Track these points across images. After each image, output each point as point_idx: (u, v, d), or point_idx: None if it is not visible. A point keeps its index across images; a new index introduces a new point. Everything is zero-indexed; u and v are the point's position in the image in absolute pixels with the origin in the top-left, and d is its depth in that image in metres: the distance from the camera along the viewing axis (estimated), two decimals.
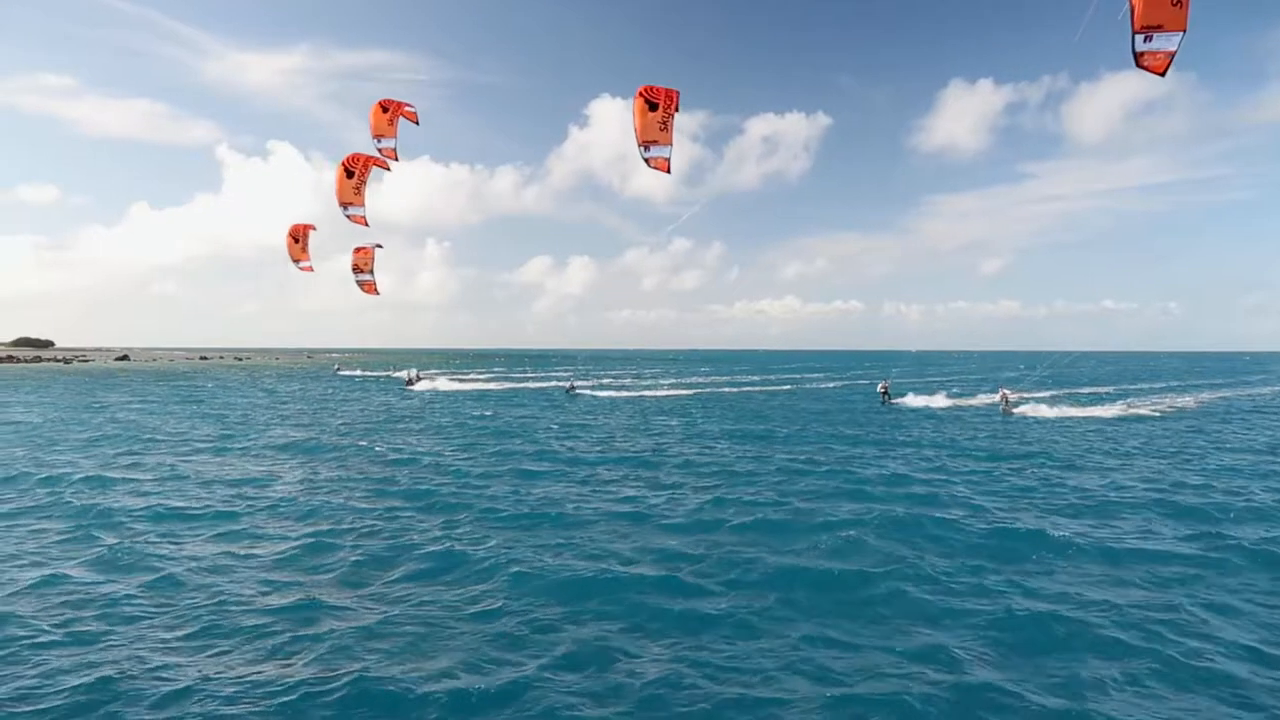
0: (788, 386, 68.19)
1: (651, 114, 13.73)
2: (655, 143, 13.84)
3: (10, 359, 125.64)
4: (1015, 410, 38.23)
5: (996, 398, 40.11)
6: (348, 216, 19.74)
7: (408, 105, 21.86)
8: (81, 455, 23.99)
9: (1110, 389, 63.52)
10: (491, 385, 69.66)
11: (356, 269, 22.93)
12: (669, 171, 14.16)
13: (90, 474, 20.07)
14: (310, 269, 23.72)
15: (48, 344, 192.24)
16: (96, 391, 57.14)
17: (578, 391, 58.34)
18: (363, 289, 23.10)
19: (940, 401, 45.87)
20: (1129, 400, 47.90)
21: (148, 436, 28.66)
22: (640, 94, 13.70)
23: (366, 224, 20.63)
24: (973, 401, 47.03)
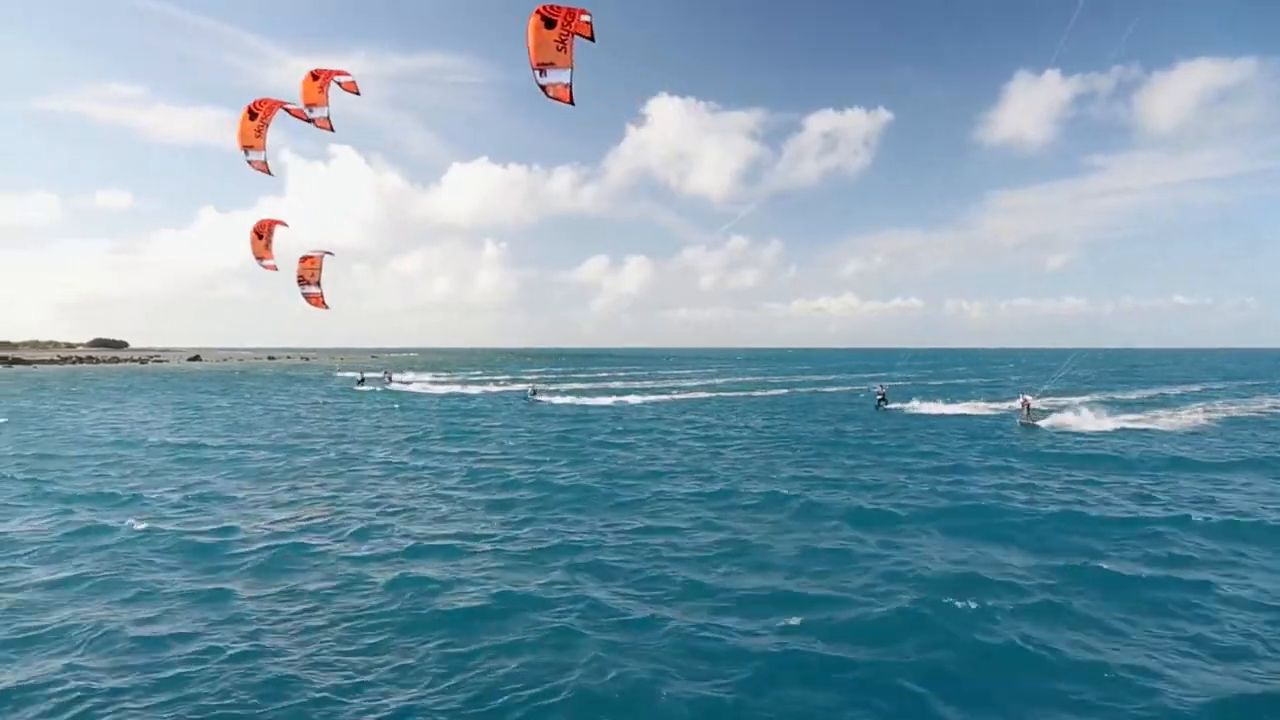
0: (784, 391, 64.41)
1: (547, 31, 12.31)
2: (552, 65, 12.45)
3: (91, 359, 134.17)
4: (1040, 422, 33.24)
5: (1016, 404, 36.73)
6: (249, 163, 18.70)
7: (342, 74, 21.12)
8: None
9: (1173, 390, 58.49)
10: (451, 389, 65.61)
11: (302, 280, 22.82)
12: (571, 101, 12.73)
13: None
14: (274, 268, 22.98)
15: (122, 344, 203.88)
16: (212, 386, 63.73)
17: (539, 398, 53.25)
18: (309, 302, 22.95)
19: (944, 407, 42.33)
20: (1200, 406, 42.50)
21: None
22: (537, 11, 12.27)
23: (269, 171, 19.68)
24: (990, 407, 43.30)
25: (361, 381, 66.90)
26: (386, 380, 72.65)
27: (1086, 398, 49.73)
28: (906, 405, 43.68)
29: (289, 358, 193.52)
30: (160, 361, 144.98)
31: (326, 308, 23.21)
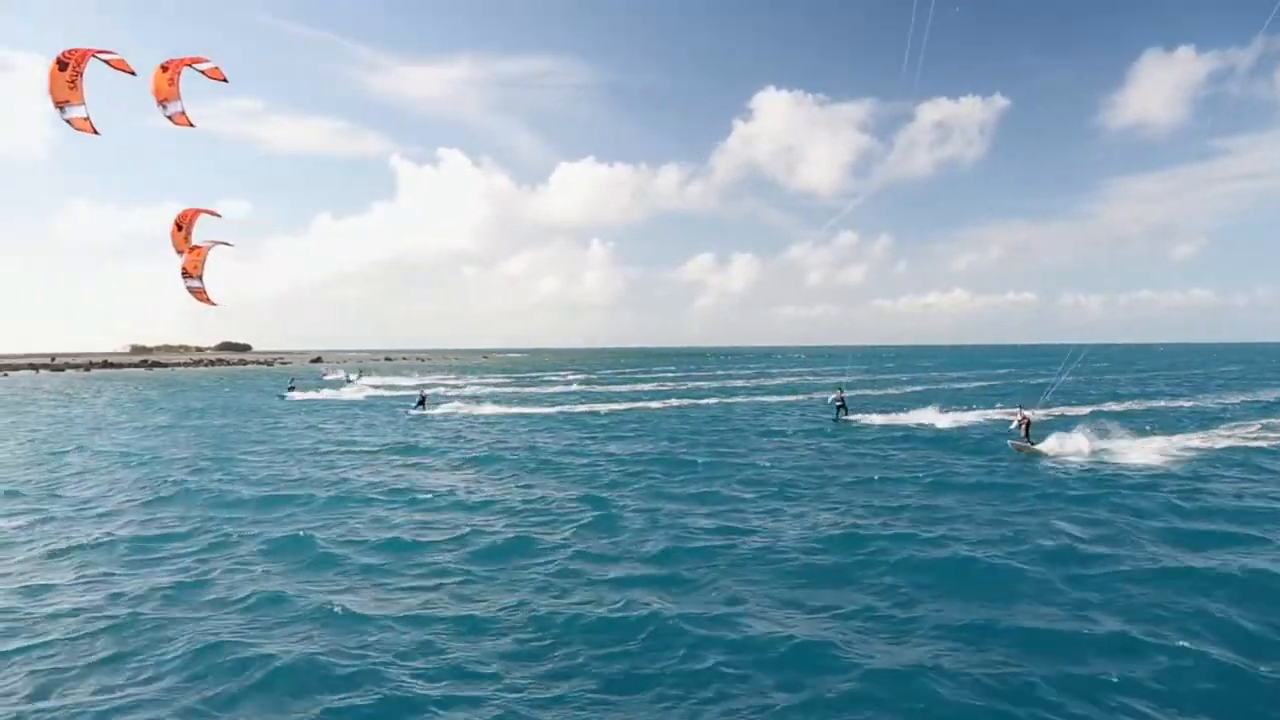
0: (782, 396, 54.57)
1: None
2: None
3: (221, 361, 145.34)
4: (1040, 446, 24.10)
5: (1013, 421, 25.63)
6: (67, 120, 16.16)
7: (200, 61, 18.71)
8: None
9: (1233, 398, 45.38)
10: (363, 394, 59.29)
11: (185, 273, 20.39)
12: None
13: None
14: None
15: (246, 348, 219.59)
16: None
17: (425, 409, 41.47)
18: (195, 297, 20.49)
19: (922, 417, 34.10)
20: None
21: None
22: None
23: (92, 129, 17.12)
24: (985, 416, 34.57)
25: (292, 388, 58.11)
26: (348, 381, 69.37)
27: (1117, 406, 39.49)
28: (875, 415, 35.72)
29: (404, 358, 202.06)
30: (285, 363, 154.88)
31: (214, 304, 20.65)
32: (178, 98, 18.29)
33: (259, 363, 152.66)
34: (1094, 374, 73.83)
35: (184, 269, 20.38)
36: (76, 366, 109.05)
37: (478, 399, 49.73)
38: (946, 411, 36.26)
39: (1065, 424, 27.51)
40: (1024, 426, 24.71)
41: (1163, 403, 42.88)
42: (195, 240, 20.81)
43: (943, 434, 30.23)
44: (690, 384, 69.87)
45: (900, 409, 38.45)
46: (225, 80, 19.67)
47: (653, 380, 77.26)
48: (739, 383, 72.14)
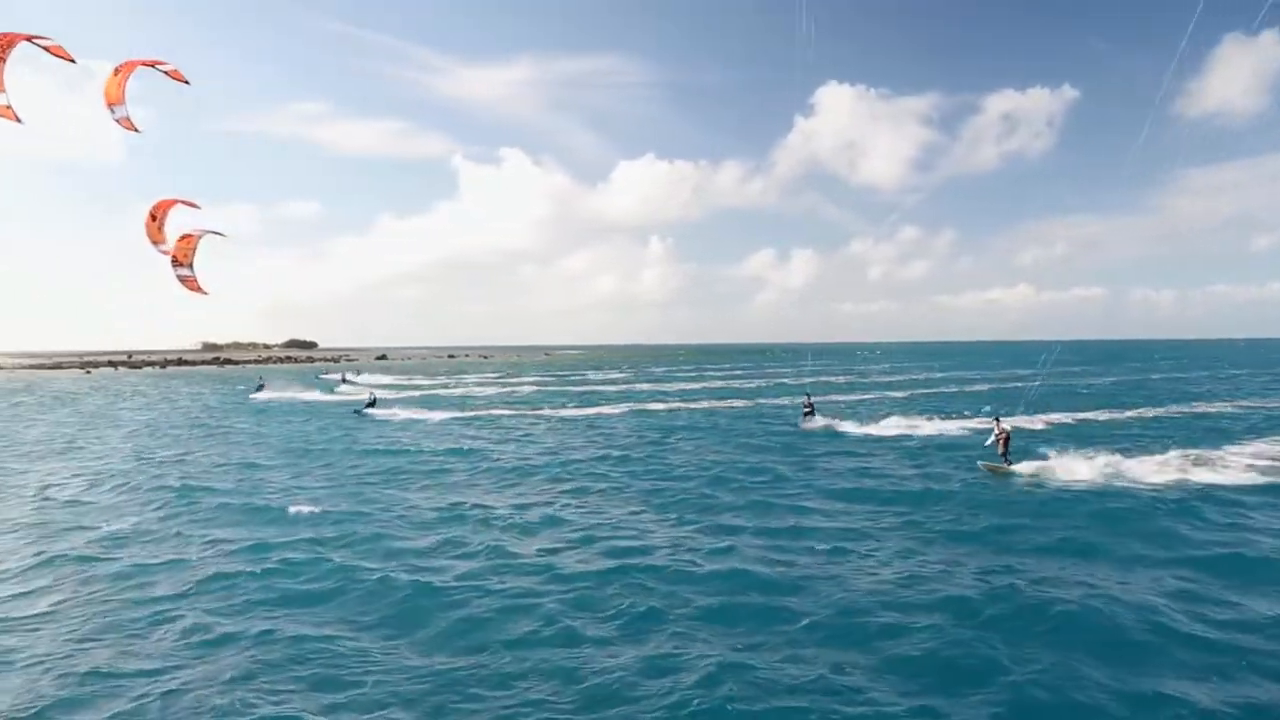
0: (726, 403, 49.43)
1: None
2: None
3: (289, 359, 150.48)
4: (1016, 466, 20.41)
5: (991, 434, 21.61)
6: None
7: (160, 64, 18.33)
8: None
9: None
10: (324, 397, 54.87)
11: (175, 261, 19.87)
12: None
13: None
14: (168, 253, 20.53)
15: (312, 345, 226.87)
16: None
17: (367, 410, 38.78)
18: (184, 285, 19.96)
19: (892, 427, 30.52)
20: None
21: None
22: None
23: (14, 117, 16.76)
24: (966, 427, 30.18)
25: (260, 389, 55.79)
26: (341, 380, 68.29)
27: (1107, 415, 34.72)
28: (847, 422, 31.91)
29: (467, 355, 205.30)
30: (351, 360, 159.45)
31: (205, 293, 20.11)
32: (123, 101, 18.00)
33: (325, 359, 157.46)
34: (1164, 373, 68.10)
35: (174, 257, 19.87)
36: (153, 364, 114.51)
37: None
38: (934, 419, 32.58)
39: (1071, 438, 24.70)
40: (1001, 441, 20.66)
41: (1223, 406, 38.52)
42: (188, 230, 20.36)
43: (918, 443, 27.13)
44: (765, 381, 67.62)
45: (887, 414, 34.88)
46: (187, 83, 19.35)
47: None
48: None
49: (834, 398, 47.15)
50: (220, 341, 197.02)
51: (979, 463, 21.20)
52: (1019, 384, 57.00)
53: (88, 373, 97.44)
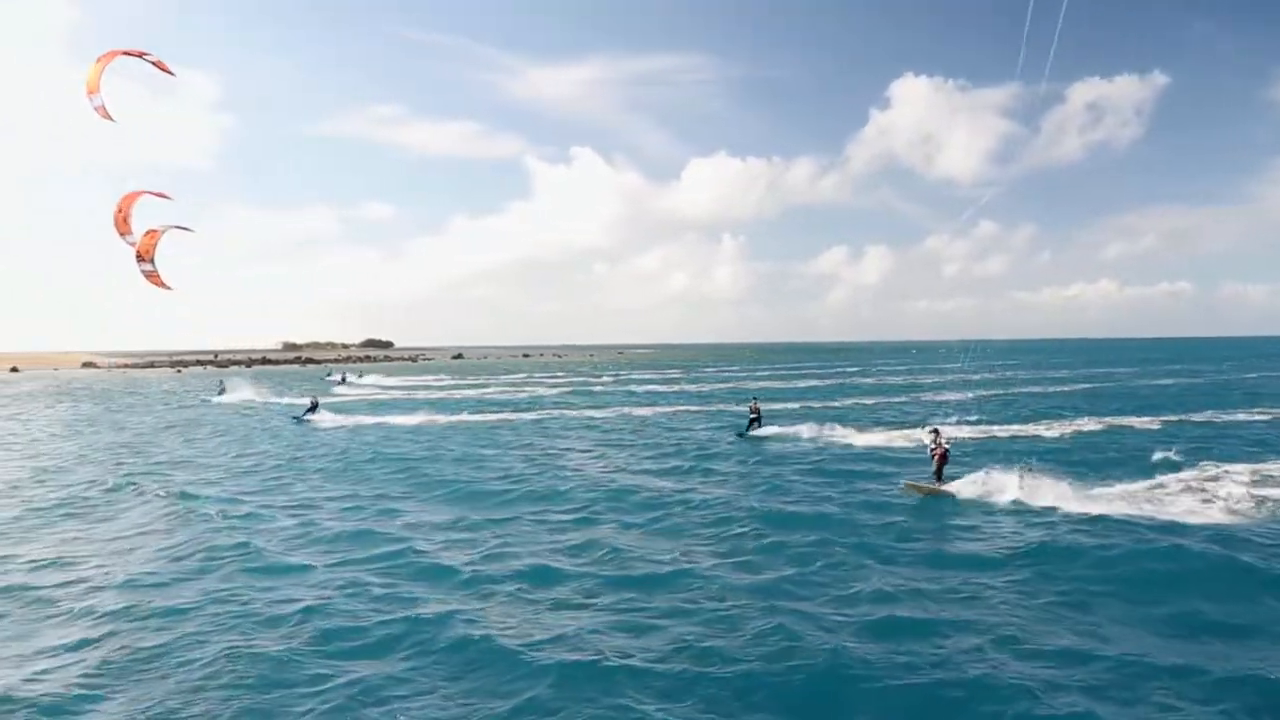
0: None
1: None
2: None
3: (367, 358, 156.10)
4: (949, 486, 17.04)
5: (926, 439, 18.87)
6: None
7: (143, 55, 18.35)
8: None
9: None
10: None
11: (139, 257, 19.66)
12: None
13: None
14: (136, 246, 20.45)
15: (388, 344, 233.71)
16: None
17: (307, 416, 36.40)
18: (148, 280, 19.75)
19: (851, 435, 27.43)
20: None
21: None
22: None
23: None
24: (906, 438, 26.49)
25: (222, 392, 53.42)
26: (339, 381, 67.13)
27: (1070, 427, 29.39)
28: (801, 426, 28.88)
29: (541, 355, 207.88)
30: (428, 359, 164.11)
31: (169, 288, 19.84)
32: (98, 90, 18.09)
33: (402, 358, 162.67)
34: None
35: (138, 253, 19.72)
36: (239, 363, 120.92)
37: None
38: (889, 429, 29.45)
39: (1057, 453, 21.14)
40: (937, 457, 17.45)
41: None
42: (153, 225, 20.21)
43: (855, 454, 24.31)
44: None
45: (859, 422, 31.59)
46: (172, 74, 19.56)
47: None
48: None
49: (833, 403, 43.93)
50: (299, 341, 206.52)
51: (901, 482, 18.05)
52: (1086, 385, 51.82)
53: (178, 372, 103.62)
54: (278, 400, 49.37)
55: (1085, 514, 14.57)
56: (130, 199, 20.10)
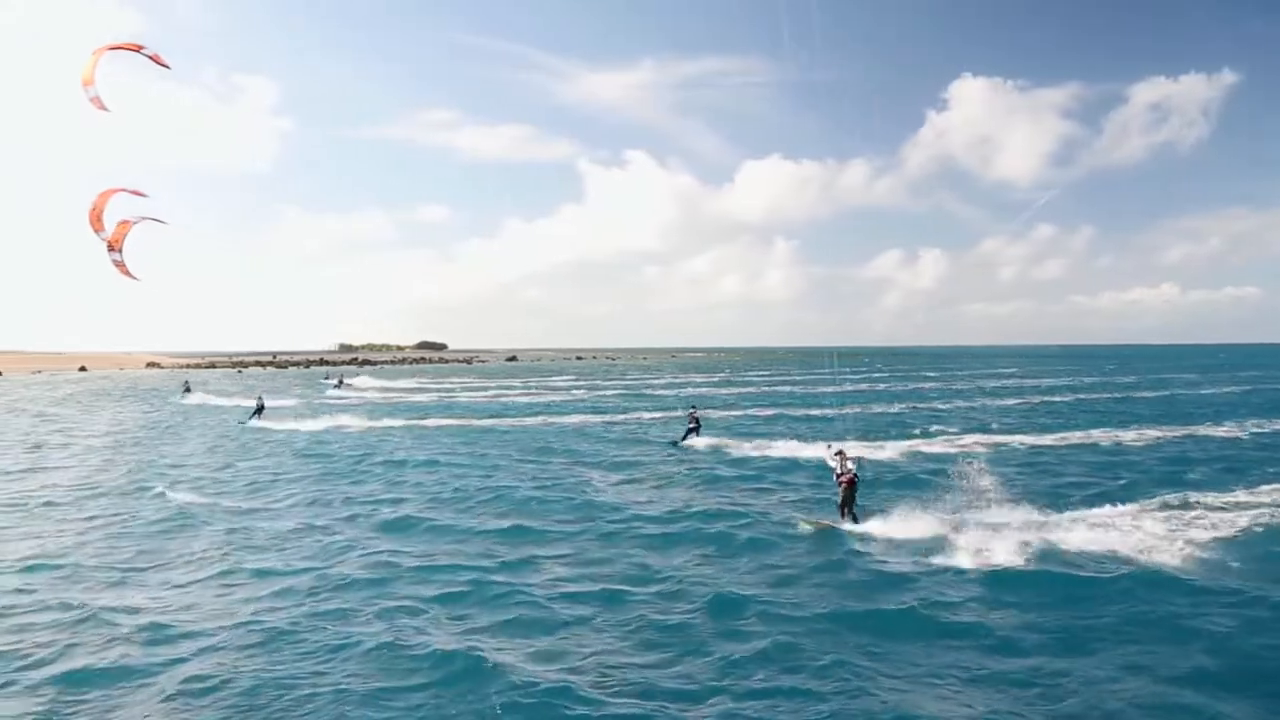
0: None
1: None
2: None
3: (422, 359, 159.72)
4: (860, 528, 14.38)
5: (834, 471, 15.15)
6: None
7: (138, 49, 18.57)
8: None
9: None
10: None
11: (109, 247, 19.84)
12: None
13: None
14: (108, 240, 20.62)
15: (442, 346, 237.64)
16: None
17: (252, 419, 35.66)
18: (116, 270, 19.92)
19: (797, 447, 24.95)
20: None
21: None
22: None
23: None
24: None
25: (187, 391, 53.13)
26: (336, 384, 66.62)
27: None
28: (743, 442, 26.91)
29: (595, 357, 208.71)
30: (483, 361, 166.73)
31: (135, 279, 19.97)
32: (93, 82, 18.33)
33: (457, 360, 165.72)
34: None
35: (109, 243, 19.95)
36: (297, 364, 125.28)
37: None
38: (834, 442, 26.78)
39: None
40: (844, 485, 14.79)
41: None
42: (126, 217, 20.39)
43: (786, 465, 22.51)
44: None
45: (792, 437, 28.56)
46: (168, 67, 19.63)
47: None
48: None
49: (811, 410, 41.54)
50: (355, 343, 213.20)
51: (800, 521, 15.13)
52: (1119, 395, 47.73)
53: (239, 372, 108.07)
54: (226, 402, 49.13)
55: (1012, 567, 11.72)
56: (105, 196, 20.34)
